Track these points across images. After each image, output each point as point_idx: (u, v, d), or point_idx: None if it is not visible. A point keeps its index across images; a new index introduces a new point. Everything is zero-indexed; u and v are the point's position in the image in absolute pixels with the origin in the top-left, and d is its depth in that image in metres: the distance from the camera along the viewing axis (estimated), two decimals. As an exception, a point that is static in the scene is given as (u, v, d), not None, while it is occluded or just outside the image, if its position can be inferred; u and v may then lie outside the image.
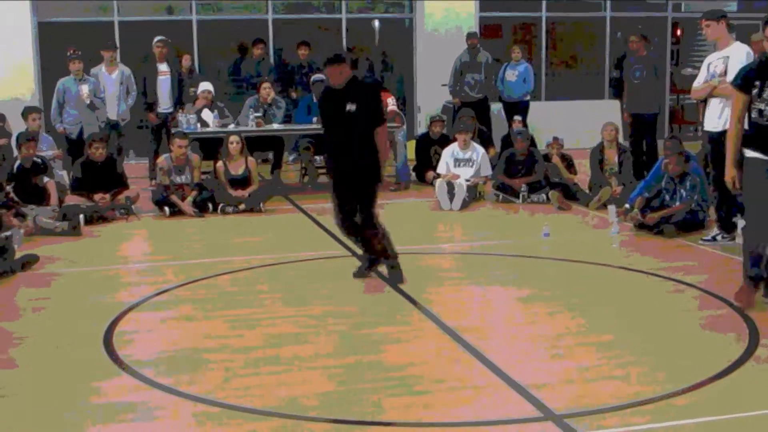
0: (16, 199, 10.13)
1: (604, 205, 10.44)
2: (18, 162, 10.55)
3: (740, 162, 6.60)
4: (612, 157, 11.36)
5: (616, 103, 14.16)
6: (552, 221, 9.95)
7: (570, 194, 11.35)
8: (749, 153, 6.52)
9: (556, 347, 5.93)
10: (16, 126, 12.00)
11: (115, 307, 6.89)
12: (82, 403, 5.07)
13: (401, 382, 5.28)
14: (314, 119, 12.58)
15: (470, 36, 15.05)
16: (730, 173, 6.69)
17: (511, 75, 15.16)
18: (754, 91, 6.42)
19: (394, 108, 13.02)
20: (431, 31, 16.54)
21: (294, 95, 14.51)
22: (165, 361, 5.78)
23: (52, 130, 12.64)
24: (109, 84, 12.94)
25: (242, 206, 11.02)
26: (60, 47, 13.59)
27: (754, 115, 6.45)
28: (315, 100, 12.90)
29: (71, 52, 12.45)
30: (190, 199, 10.92)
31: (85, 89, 12.28)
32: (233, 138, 11.36)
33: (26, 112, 11.85)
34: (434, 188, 11.46)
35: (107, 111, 12.71)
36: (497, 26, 17.97)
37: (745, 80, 6.56)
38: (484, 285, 7.81)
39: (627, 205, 10.02)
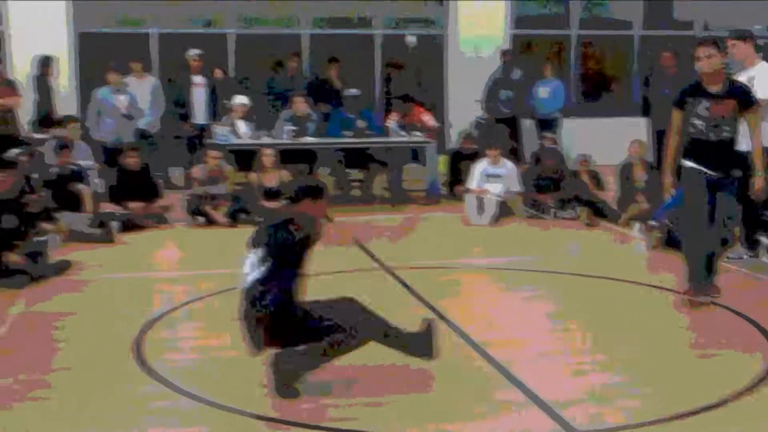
0: (52, 205, 10.29)
1: (632, 222, 10.45)
2: (54, 169, 10.73)
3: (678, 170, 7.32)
4: (639, 174, 11.36)
5: (645, 120, 14.12)
6: (580, 237, 10.01)
7: (598, 211, 11.37)
8: (687, 163, 7.17)
9: (580, 363, 5.97)
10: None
11: (147, 314, 7.00)
12: (112, 409, 5.16)
13: (424, 394, 5.36)
14: (345, 133, 12.79)
15: (504, 53, 15.13)
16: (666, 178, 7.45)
17: (542, 92, 15.19)
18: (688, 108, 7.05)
19: (434, 123, 13.47)
20: (462, 48, 16.60)
21: (324, 109, 14.61)
22: (195, 370, 5.89)
23: (89, 138, 12.83)
24: (138, 94, 13.15)
25: (275, 218, 11.12)
26: (98, 57, 13.80)
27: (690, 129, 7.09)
28: (348, 114, 13.11)
29: (112, 62, 12.66)
30: (223, 209, 11.06)
31: (122, 99, 12.48)
32: (268, 151, 11.48)
33: (65, 121, 12.03)
34: (464, 203, 11.53)
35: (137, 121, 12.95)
36: (528, 43, 18.03)
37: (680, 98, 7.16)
38: (511, 299, 7.88)
39: (653, 222, 10.03)
